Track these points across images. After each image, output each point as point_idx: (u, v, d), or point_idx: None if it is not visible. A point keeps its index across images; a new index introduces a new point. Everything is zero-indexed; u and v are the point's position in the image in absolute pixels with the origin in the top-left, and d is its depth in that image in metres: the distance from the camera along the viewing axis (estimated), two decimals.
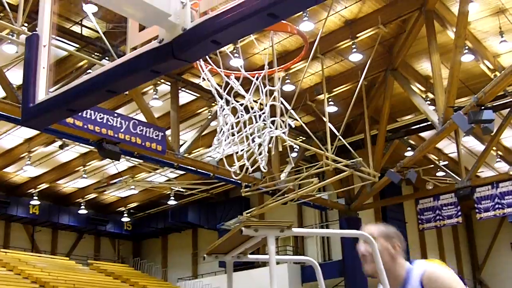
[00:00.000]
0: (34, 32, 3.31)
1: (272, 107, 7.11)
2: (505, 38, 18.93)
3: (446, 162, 25.60)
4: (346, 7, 18.31)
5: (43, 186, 29.79)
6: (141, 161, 21.58)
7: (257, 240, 3.39)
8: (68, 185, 30.53)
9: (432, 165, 24.47)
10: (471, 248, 32.01)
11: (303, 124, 19.42)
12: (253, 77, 6.59)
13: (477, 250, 31.93)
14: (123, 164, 25.70)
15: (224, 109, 6.50)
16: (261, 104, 6.89)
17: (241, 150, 6.69)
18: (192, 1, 2.73)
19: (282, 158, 22.09)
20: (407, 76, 21.30)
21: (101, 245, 37.56)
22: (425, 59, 20.64)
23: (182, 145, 20.23)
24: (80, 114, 15.10)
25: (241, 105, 6.55)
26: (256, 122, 6.67)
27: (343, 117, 19.99)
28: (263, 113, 6.67)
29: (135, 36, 3.04)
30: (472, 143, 25.08)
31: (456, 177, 22.04)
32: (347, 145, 20.19)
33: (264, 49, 17.58)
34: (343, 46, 19.82)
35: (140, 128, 17.71)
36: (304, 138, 23.30)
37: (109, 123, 16.79)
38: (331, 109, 21.46)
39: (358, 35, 19.16)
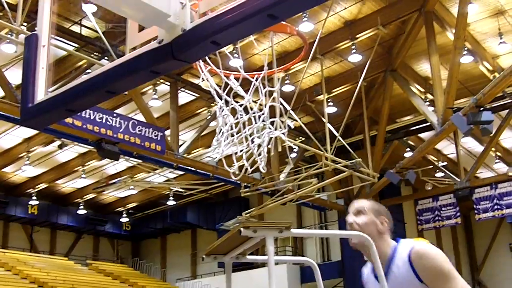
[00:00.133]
0: (33, 32, 3.31)
1: (272, 108, 7.11)
2: (504, 40, 18.96)
3: (445, 163, 25.61)
4: (345, 8, 18.32)
5: (42, 186, 29.77)
6: (140, 161, 21.57)
7: (256, 241, 3.38)
8: (67, 185, 30.51)
9: (431, 166, 24.49)
10: (470, 249, 32.02)
11: (303, 125, 19.43)
12: (253, 77, 6.59)
13: (476, 251, 31.94)
14: (122, 164, 25.72)
15: (223, 109, 6.49)
16: (260, 104, 6.89)
17: (240, 151, 6.69)
18: (191, 1, 2.73)
19: (281, 158, 22.10)
20: (407, 77, 21.31)
21: (100, 245, 37.54)
22: (424, 60, 20.66)
23: (181, 145, 20.24)
24: (79, 114, 15.09)
25: (241, 105, 6.55)
26: (256, 122, 6.66)
27: (342, 117, 19.99)
28: (263, 113, 6.67)
29: (134, 37, 3.04)
30: (471, 144, 25.09)
31: (455, 178, 22.07)
32: (346, 145, 20.19)
33: (264, 49, 17.58)
34: (342, 47, 19.84)
35: (139, 128, 17.71)
36: (303, 139, 23.31)
37: (108, 123, 16.79)
38: (330, 109, 21.47)
39: (357, 36, 19.18)
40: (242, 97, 6.76)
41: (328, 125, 19.36)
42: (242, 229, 3.12)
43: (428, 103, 21.27)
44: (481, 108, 16.81)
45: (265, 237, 3.18)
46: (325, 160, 18.86)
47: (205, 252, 3.84)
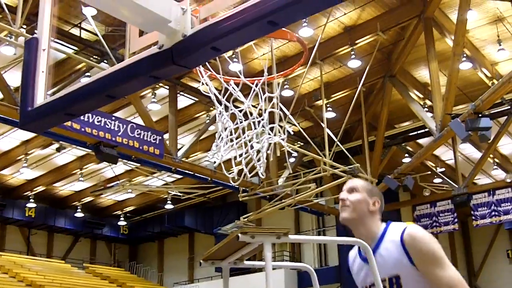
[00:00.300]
0: (34, 36, 3.31)
1: (271, 113, 7.11)
2: (503, 46, 19.00)
3: (443, 169, 25.61)
4: (345, 14, 18.34)
5: (40, 188, 29.74)
6: (138, 164, 21.57)
7: (254, 247, 3.38)
8: (64, 188, 30.49)
9: (429, 172, 24.47)
10: (468, 255, 32.01)
11: (301, 130, 19.44)
12: (252, 83, 6.60)
13: (473, 257, 31.93)
14: (120, 167, 25.70)
15: (223, 115, 6.50)
16: (260, 110, 6.90)
17: (240, 156, 6.70)
18: (192, 7, 2.74)
19: (280, 163, 22.08)
20: (405, 83, 21.33)
21: (97, 248, 37.52)
22: (423, 66, 20.68)
23: (179, 149, 20.23)
24: None
25: (240, 111, 6.55)
26: (255, 128, 6.67)
27: (341, 123, 19.99)
28: (262, 119, 6.67)
29: (135, 42, 3.05)
30: (469, 151, 25.09)
31: (453, 184, 22.06)
32: (345, 151, 20.19)
33: (263, 54, 17.59)
34: (342, 52, 19.86)
35: (138, 131, 17.70)
36: (302, 144, 23.31)
37: (106, 126, 16.77)
38: (329, 115, 21.50)
39: (357, 41, 19.20)
40: (242, 102, 6.77)
41: (327, 130, 19.36)
42: (240, 234, 3.13)
43: (426, 109, 21.30)
44: (480, 115, 16.82)
45: (263, 243, 3.18)
46: (323, 165, 18.86)
47: (203, 257, 3.85)
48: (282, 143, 7.70)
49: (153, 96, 20.81)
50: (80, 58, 17.17)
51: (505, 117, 20.27)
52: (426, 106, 21.70)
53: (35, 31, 15.21)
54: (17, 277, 26.73)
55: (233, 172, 6.94)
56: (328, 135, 19.41)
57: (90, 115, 16.17)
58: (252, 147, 6.81)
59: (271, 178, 21.30)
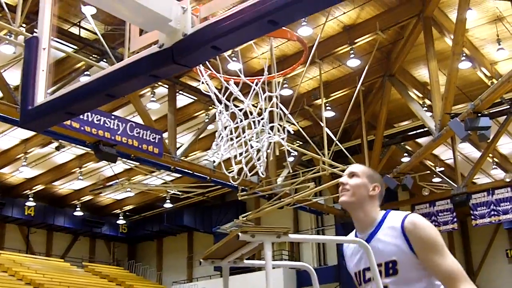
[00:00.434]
0: (34, 35, 3.31)
1: (271, 113, 7.11)
2: (502, 46, 19.01)
3: (442, 169, 25.61)
4: (344, 13, 18.35)
5: (39, 187, 29.74)
6: (137, 163, 21.55)
7: (254, 246, 3.39)
8: (64, 186, 30.48)
9: (429, 171, 24.47)
10: (467, 254, 31.99)
11: (300, 129, 19.44)
12: (252, 82, 6.60)
13: (473, 257, 31.91)
14: (120, 166, 25.70)
15: (222, 114, 6.50)
16: (260, 109, 6.90)
17: (240, 155, 6.70)
18: (193, 6, 2.74)
19: (279, 162, 22.07)
20: (405, 82, 21.33)
21: (96, 247, 37.51)
22: (422, 66, 20.69)
23: (179, 148, 20.22)
24: None
25: (240, 110, 6.56)
26: (255, 127, 6.67)
27: (340, 122, 20.01)
28: (262, 118, 6.67)
29: (135, 41, 3.05)
30: (469, 150, 25.09)
31: (452, 183, 22.06)
32: (344, 150, 20.21)
33: (262, 53, 17.59)
34: (341, 52, 19.87)
35: (137, 130, 17.70)
36: (301, 143, 23.30)
37: (106, 125, 16.78)
38: (328, 114, 21.51)
39: (356, 40, 19.20)
40: (241, 101, 6.77)
41: (326, 130, 19.37)
42: (240, 234, 3.13)
43: (426, 108, 21.31)
44: (479, 114, 16.83)
45: (263, 242, 3.19)
46: (322, 164, 18.87)
47: (203, 256, 3.85)
48: (282, 142, 7.70)
49: (152, 95, 20.81)
50: (80, 57, 17.17)
51: (505, 116, 20.28)
52: (425, 105, 21.71)
53: (35, 30, 15.23)
54: (16, 276, 26.73)
55: (233, 171, 6.93)
56: (327, 134, 19.43)
57: (89, 114, 16.17)
58: (252, 146, 6.81)
59: (270, 177, 21.30)
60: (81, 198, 31.85)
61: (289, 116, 15.70)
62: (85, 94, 3.01)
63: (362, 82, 19.23)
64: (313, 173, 19.60)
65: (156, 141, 18.15)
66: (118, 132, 17.06)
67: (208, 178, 21.23)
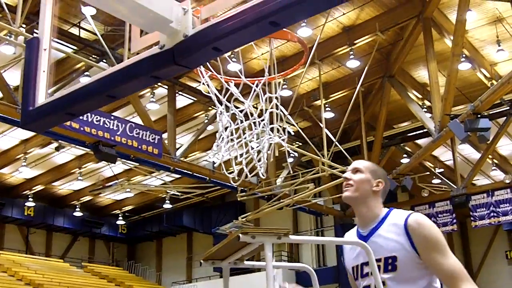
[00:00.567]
0: (35, 36, 3.31)
1: (270, 114, 7.12)
2: (502, 47, 19.01)
3: (441, 170, 25.61)
4: (344, 14, 18.36)
5: (39, 187, 29.73)
6: (137, 164, 21.56)
7: (254, 247, 3.38)
8: (63, 187, 30.48)
9: (428, 173, 24.47)
10: (466, 256, 31.99)
11: (300, 130, 19.44)
12: (253, 83, 6.60)
13: (472, 258, 31.90)
14: (119, 167, 25.70)
15: (223, 115, 6.50)
16: (260, 110, 6.90)
17: (240, 156, 6.70)
18: (194, 7, 2.74)
19: (278, 163, 22.08)
20: (404, 83, 21.33)
21: (96, 247, 37.50)
22: (422, 67, 20.69)
23: (178, 148, 20.22)
24: None
25: (241, 111, 6.56)
26: (256, 128, 6.68)
27: (339, 123, 20.01)
28: (262, 120, 6.68)
29: (136, 42, 3.05)
30: (468, 151, 25.09)
31: (452, 184, 22.05)
32: (343, 151, 20.22)
33: (262, 54, 17.59)
34: (340, 53, 19.87)
35: (136, 131, 17.70)
36: (300, 144, 23.30)
37: (105, 125, 16.77)
38: (327, 115, 21.51)
39: (355, 41, 19.22)
40: (241, 102, 6.78)
41: (325, 131, 19.38)
42: (240, 235, 3.13)
43: (425, 109, 21.30)
44: (479, 115, 16.84)
45: (264, 243, 3.19)
46: (322, 165, 18.87)
47: (203, 257, 3.84)
48: (282, 143, 7.70)
49: (152, 95, 20.82)
50: (79, 58, 17.17)
51: (504, 117, 20.26)
52: (425, 106, 21.71)
53: (35, 30, 15.26)
54: (16, 276, 26.72)
55: (233, 172, 6.94)
56: (327, 135, 19.43)
57: (89, 114, 16.15)
58: (252, 147, 6.81)
59: (270, 178, 21.29)
60: (81, 199, 31.85)
61: (289, 117, 15.72)
62: (86, 95, 3.02)
63: (362, 83, 19.24)
64: (313, 174, 19.60)
65: (156, 142, 18.15)
66: (118, 133, 17.06)
67: (208, 178, 21.23)
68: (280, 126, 7.48)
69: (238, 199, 21.14)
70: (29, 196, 30.27)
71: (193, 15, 2.70)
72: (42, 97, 3.15)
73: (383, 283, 3.28)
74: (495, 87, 16.74)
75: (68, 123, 15.40)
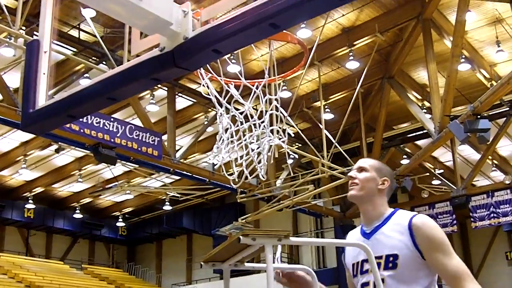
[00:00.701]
0: (35, 38, 3.31)
1: (270, 115, 7.12)
2: (501, 48, 19.01)
3: (441, 171, 25.62)
4: (343, 15, 18.36)
5: (38, 189, 29.72)
6: (137, 166, 21.55)
7: (254, 249, 3.38)
8: (63, 189, 30.48)
9: (428, 174, 24.46)
10: (466, 256, 31.98)
11: (299, 131, 19.44)
12: (253, 85, 6.60)
13: (472, 259, 31.90)
14: (119, 168, 25.66)
15: (223, 116, 6.51)
16: (260, 112, 6.91)
17: (240, 157, 6.70)
18: (194, 10, 2.74)
19: (278, 164, 22.08)
20: (404, 84, 21.34)
21: (96, 249, 37.49)
22: (421, 68, 20.70)
23: (178, 150, 20.23)
24: None
25: (241, 113, 6.56)
26: (256, 130, 6.68)
27: (339, 124, 20.01)
28: (262, 121, 6.68)
29: (136, 44, 3.05)
30: (468, 152, 25.10)
31: (452, 185, 22.04)
32: (343, 152, 20.21)
33: (262, 55, 17.59)
34: (340, 54, 19.87)
35: (136, 133, 17.70)
36: (300, 145, 23.30)
37: (105, 127, 16.78)
38: (327, 116, 21.50)
39: (355, 42, 19.22)
40: (241, 103, 6.78)
41: (325, 132, 19.38)
42: (241, 237, 3.13)
43: (425, 110, 21.31)
44: (478, 116, 16.84)
45: (264, 245, 3.18)
46: (321, 166, 18.87)
47: (204, 259, 3.84)
48: (283, 145, 7.70)
49: (151, 97, 20.82)
50: (79, 60, 17.16)
51: (504, 118, 20.27)
52: (424, 107, 21.71)
53: (35, 32, 15.25)
54: (16, 278, 26.73)
55: (234, 174, 6.94)
56: (326, 136, 19.43)
57: (89, 116, 16.16)
58: (252, 149, 6.81)
59: (269, 180, 21.29)
60: (81, 201, 31.84)
61: (288, 118, 15.71)
62: (87, 97, 3.02)
63: (361, 84, 19.25)
64: (312, 175, 19.58)
65: (156, 144, 18.15)
66: (118, 135, 17.07)
67: (207, 180, 21.22)
68: (280, 128, 7.48)
69: (238, 201, 21.12)
70: (29, 198, 30.26)
71: (193, 17, 2.71)
72: (42, 99, 3.15)
73: (382, 280, 3.27)
74: (495, 88, 16.74)
75: (68, 125, 15.40)
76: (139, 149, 17.67)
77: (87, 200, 31.68)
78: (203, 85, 6.44)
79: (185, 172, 20.76)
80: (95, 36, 16.49)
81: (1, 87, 15.56)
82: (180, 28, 2.68)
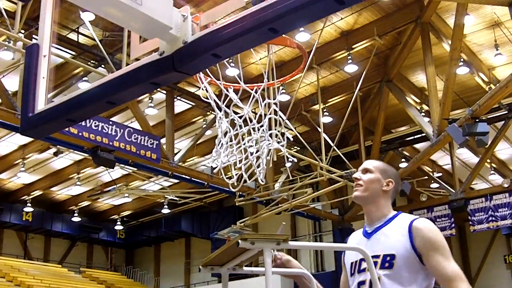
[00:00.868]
0: (35, 42, 3.32)
1: (269, 119, 7.12)
2: (500, 51, 19.01)
3: (440, 174, 25.61)
4: (342, 18, 18.38)
5: (37, 193, 29.70)
6: (135, 169, 21.54)
7: (253, 253, 3.39)
8: (61, 192, 30.45)
9: (426, 177, 24.47)
10: (465, 260, 31.97)
11: (298, 134, 19.44)
12: (252, 89, 6.61)
13: (471, 263, 31.90)
14: (117, 172, 25.68)
15: (222, 120, 6.51)
16: (259, 115, 6.91)
17: (240, 162, 6.71)
18: (193, 14, 2.75)
19: (276, 168, 22.09)
20: (402, 88, 21.35)
21: (94, 253, 37.42)
22: (420, 71, 20.71)
23: (176, 153, 20.22)
24: None
25: (240, 117, 6.57)
26: (254, 134, 6.68)
27: (338, 127, 20.01)
28: (261, 125, 6.69)
29: (135, 48, 3.05)
30: (466, 155, 25.11)
31: (450, 189, 22.04)
32: (341, 155, 20.19)
33: (260, 59, 17.60)
34: (338, 57, 19.88)
35: (135, 136, 17.70)
36: (298, 148, 23.31)
37: (104, 130, 16.77)
38: (326, 119, 21.51)
39: (353, 46, 19.22)
40: (240, 107, 6.78)
41: (324, 135, 19.37)
42: (240, 241, 3.13)
43: (423, 114, 21.31)
44: (477, 120, 16.84)
45: (263, 249, 3.19)
46: (320, 169, 18.86)
47: (202, 263, 3.84)
48: (282, 149, 7.71)
49: (150, 100, 20.82)
50: (78, 63, 17.16)
51: (502, 122, 20.29)
52: (423, 111, 21.72)
53: (34, 36, 15.26)
54: (14, 281, 26.68)
55: (233, 177, 6.94)
56: (325, 139, 19.42)
57: (87, 119, 16.16)
58: (251, 153, 6.82)
59: (268, 183, 21.28)
60: (79, 204, 31.81)
61: (287, 122, 15.72)
62: (86, 101, 3.02)
63: (360, 87, 19.25)
64: (311, 178, 19.58)
65: (154, 147, 18.15)
66: (116, 138, 17.06)
67: (206, 183, 21.23)
68: (279, 131, 7.48)
69: (236, 204, 21.07)
70: (28, 201, 30.23)
71: (192, 21, 2.71)
72: (41, 103, 3.15)
73: (378, 279, 3.29)
74: (493, 91, 16.74)
75: (66, 128, 15.38)
76: (138, 152, 17.67)
77: (86, 203, 31.64)
78: (202, 89, 6.44)
79: (183, 176, 20.76)
80: (94, 39, 16.51)
81: (0, 90, 15.56)
82: (179, 33, 2.69)
